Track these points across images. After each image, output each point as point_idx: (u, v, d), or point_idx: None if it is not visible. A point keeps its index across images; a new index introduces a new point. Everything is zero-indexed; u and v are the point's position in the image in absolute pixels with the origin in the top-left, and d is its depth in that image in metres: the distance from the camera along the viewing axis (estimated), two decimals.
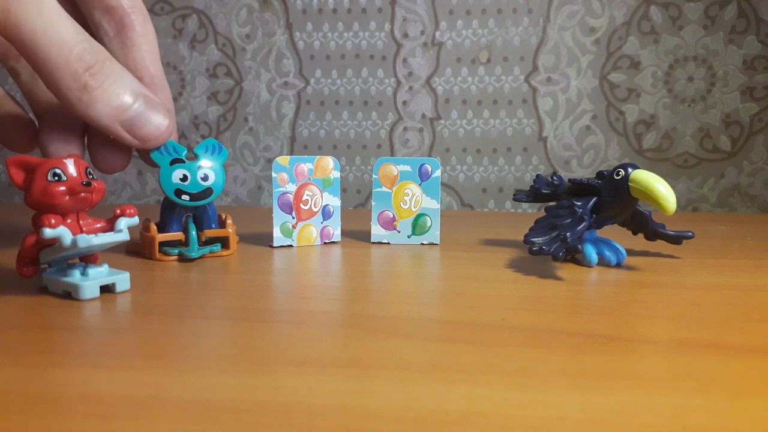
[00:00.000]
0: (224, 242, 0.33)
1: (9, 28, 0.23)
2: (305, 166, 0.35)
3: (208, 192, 0.32)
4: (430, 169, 0.36)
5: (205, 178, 0.32)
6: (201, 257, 0.32)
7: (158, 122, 0.29)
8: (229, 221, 0.33)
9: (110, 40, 0.30)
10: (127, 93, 0.27)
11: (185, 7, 0.59)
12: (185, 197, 0.31)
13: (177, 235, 0.32)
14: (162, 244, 0.32)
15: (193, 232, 0.32)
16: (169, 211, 0.32)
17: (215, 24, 0.59)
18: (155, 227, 0.32)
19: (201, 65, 0.60)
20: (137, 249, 0.33)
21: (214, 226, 0.33)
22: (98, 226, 0.25)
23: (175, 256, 0.32)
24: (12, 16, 0.23)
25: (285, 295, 0.26)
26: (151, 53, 0.30)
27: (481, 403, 0.15)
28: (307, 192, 0.36)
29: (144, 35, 0.30)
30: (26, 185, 0.23)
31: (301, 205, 0.35)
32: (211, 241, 0.33)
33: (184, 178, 0.31)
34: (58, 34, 0.24)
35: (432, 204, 0.36)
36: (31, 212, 0.24)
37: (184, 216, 0.32)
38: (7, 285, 0.26)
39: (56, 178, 0.23)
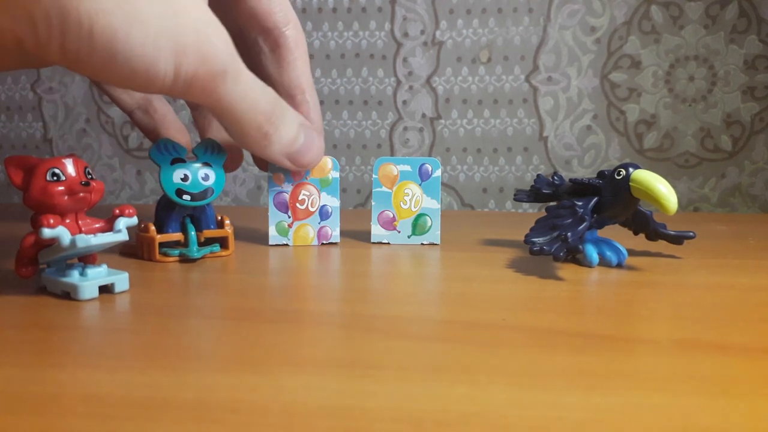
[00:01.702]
0: (222, 242, 0.33)
1: (212, 102, 0.26)
2: None
3: (208, 192, 0.32)
4: (430, 168, 0.36)
5: (206, 178, 0.31)
6: (202, 258, 0.32)
7: (317, 149, 0.32)
8: (227, 221, 0.33)
9: (266, 57, 0.32)
10: (294, 129, 0.30)
11: None
12: (186, 197, 0.31)
13: (176, 235, 0.32)
14: (161, 245, 0.32)
15: (193, 233, 0.32)
16: (167, 212, 0.32)
17: None
18: (154, 228, 0.31)
19: None
20: (132, 251, 0.33)
21: (212, 226, 0.33)
22: (97, 226, 0.25)
23: (176, 257, 0.31)
24: (216, 93, 0.25)
25: (285, 295, 0.26)
26: (304, 71, 0.32)
27: (481, 403, 0.15)
28: (303, 192, 0.35)
29: (298, 53, 0.32)
30: (25, 185, 0.23)
31: (298, 204, 0.35)
32: (209, 241, 0.33)
33: (185, 178, 0.31)
34: (249, 98, 0.27)
35: (432, 204, 0.36)
36: (30, 212, 0.24)
37: (182, 216, 0.32)
38: (6, 285, 0.26)
39: (55, 178, 0.23)
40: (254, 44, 0.32)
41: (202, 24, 0.24)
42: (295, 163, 0.31)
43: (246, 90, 0.27)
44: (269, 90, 0.28)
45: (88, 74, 0.24)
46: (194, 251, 0.31)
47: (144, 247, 0.32)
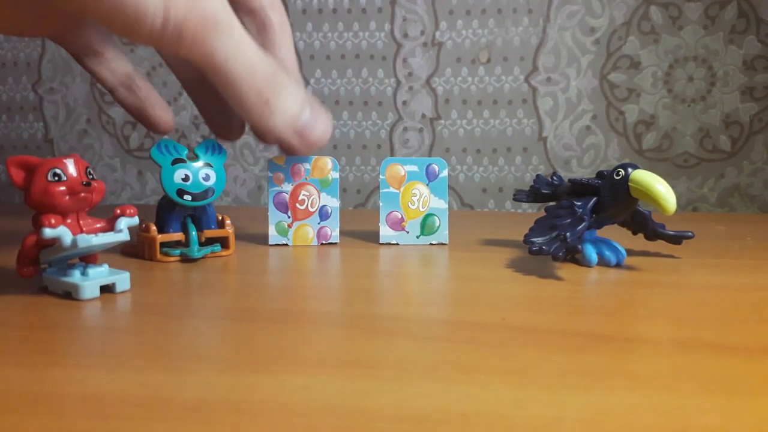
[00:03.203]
0: (223, 242, 0.33)
1: (206, 56, 0.25)
2: (302, 166, 0.35)
3: (209, 192, 0.32)
4: (437, 169, 0.36)
5: (206, 178, 0.32)
6: (203, 257, 0.32)
7: (324, 127, 0.30)
8: (227, 221, 0.33)
9: (252, 39, 0.31)
10: (297, 101, 0.29)
11: None
12: (187, 197, 0.31)
13: (177, 235, 0.32)
14: (162, 245, 0.32)
15: (194, 233, 0.32)
16: (167, 212, 0.32)
17: None
18: (155, 228, 0.31)
19: None
20: (133, 250, 0.33)
21: (213, 226, 0.33)
22: (98, 226, 0.25)
23: (177, 257, 0.31)
24: (209, 45, 0.24)
25: (285, 295, 0.26)
26: (289, 54, 0.32)
27: (481, 403, 0.15)
28: (303, 192, 0.36)
29: (283, 34, 0.32)
30: (26, 185, 0.23)
31: (297, 204, 0.35)
32: (210, 241, 0.33)
33: (186, 179, 0.31)
34: (245, 57, 0.26)
35: (440, 204, 0.36)
36: (31, 212, 0.24)
37: (183, 216, 0.32)
38: (7, 285, 0.26)
39: (56, 178, 0.23)
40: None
41: None
42: (304, 139, 0.29)
43: (241, 47, 0.25)
44: (268, 56, 0.27)
45: (76, 7, 0.23)
46: (195, 251, 0.31)
47: (145, 246, 0.32)
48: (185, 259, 0.31)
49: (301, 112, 0.29)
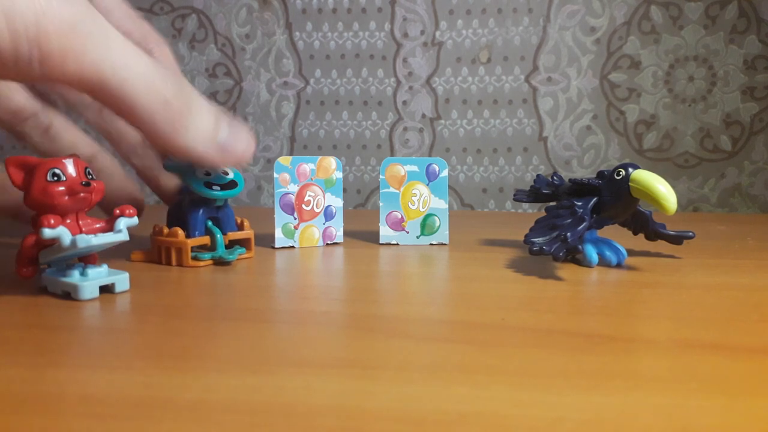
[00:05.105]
0: (243, 244, 0.32)
1: (87, 73, 0.20)
2: (307, 167, 0.35)
3: (233, 184, 0.31)
4: (437, 169, 0.36)
5: (226, 172, 0.31)
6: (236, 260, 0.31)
7: (246, 143, 0.26)
8: (246, 223, 0.33)
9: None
10: (211, 114, 0.25)
11: (185, 6, 0.59)
12: (216, 188, 0.30)
13: (204, 239, 0.31)
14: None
15: (219, 236, 0.31)
16: (191, 214, 0.31)
17: (215, 24, 0.59)
18: (182, 232, 0.30)
19: (200, 65, 0.60)
20: (149, 258, 0.32)
21: (234, 228, 0.32)
22: (98, 226, 0.25)
23: (209, 261, 0.30)
24: (87, 58, 0.20)
25: (286, 296, 0.26)
26: (126, 16, 0.29)
27: (481, 403, 0.15)
28: (309, 193, 0.35)
29: (159, 46, 0.30)
30: (25, 185, 0.23)
31: (303, 206, 0.35)
32: (231, 243, 0.32)
33: (208, 174, 0.30)
34: (138, 65, 0.22)
35: (440, 204, 0.36)
36: (31, 212, 0.24)
37: (205, 219, 0.31)
38: (6, 285, 0.26)
39: (55, 178, 0.23)
40: None
41: None
42: (226, 155, 0.25)
43: (130, 54, 0.21)
44: (157, 61, 0.23)
45: None
46: (227, 254, 0.30)
47: (173, 252, 0.31)
48: (220, 263, 0.31)
49: (217, 126, 0.25)
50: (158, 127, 0.23)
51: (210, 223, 0.31)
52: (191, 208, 0.31)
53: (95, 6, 0.23)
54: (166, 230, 0.31)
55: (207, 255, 0.30)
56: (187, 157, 0.25)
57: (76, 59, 0.19)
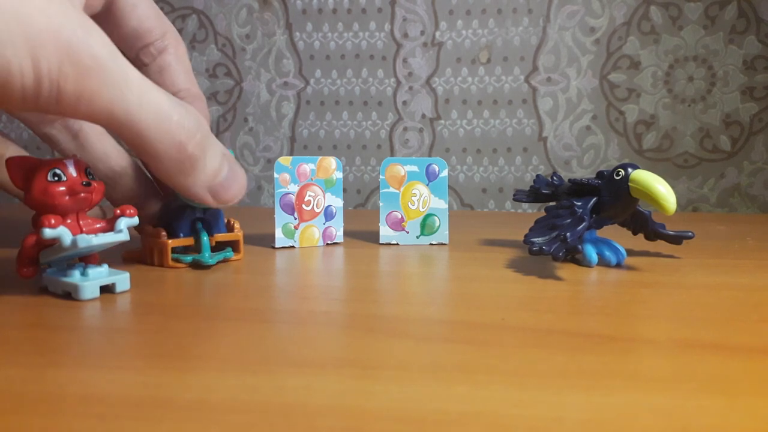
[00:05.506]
0: (233, 246, 0.32)
1: (101, 114, 0.20)
2: (307, 167, 0.35)
3: None
4: (437, 169, 0.36)
5: None
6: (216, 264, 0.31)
7: (239, 187, 0.26)
8: (236, 225, 0.32)
9: (148, 69, 0.29)
10: (218, 157, 0.25)
11: (185, 7, 0.59)
12: None
13: (188, 240, 0.31)
14: (172, 250, 0.30)
15: (205, 238, 0.30)
16: (177, 215, 0.31)
17: (215, 24, 0.59)
18: (165, 233, 0.30)
19: (201, 65, 0.60)
20: (137, 256, 0.32)
21: (223, 230, 0.32)
22: (98, 226, 0.25)
23: (188, 264, 0.30)
24: (102, 100, 0.20)
25: (286, 296, 0.26)
26: (186, 72, 0.30)
27: (481, 403, 0.15)
28: (309, 193, 0.35)
29: (177, 56, 0.30)
30: (26, 185, 0.23)
31: (303, 206, 0.35)
32: (219, 245, 0.32)
33: None
34: (153, 105, 0.21)
35: (440, 204, 0.36)
36: (31, 212, 0.24)
37: (192, 220, 0.31)
38: (7, 285, 0.26)
39: (56, 178, 0.23)
40: (134, 61, 0.29)
41: (55, 8, 0.19)
42: (217, 198, 0.25)
43: (146, 96, 0.21)
44: (183, 103, 0.23)
45: None
46: (208, 257, 0.30)
47: (155, 252, 0.31)
48: (198, 266, 0.30)
49: (220, 170, 0.25)
50: (166, 166, 0.23)
51: (200, 225, 0.31)
52: (177, 209, 0.31)
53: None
54: (150, 230, 0.31)
55: (188, 258, 0.30)
56: (184, 195, 0.25)
57: (90, 101, 0.20)
